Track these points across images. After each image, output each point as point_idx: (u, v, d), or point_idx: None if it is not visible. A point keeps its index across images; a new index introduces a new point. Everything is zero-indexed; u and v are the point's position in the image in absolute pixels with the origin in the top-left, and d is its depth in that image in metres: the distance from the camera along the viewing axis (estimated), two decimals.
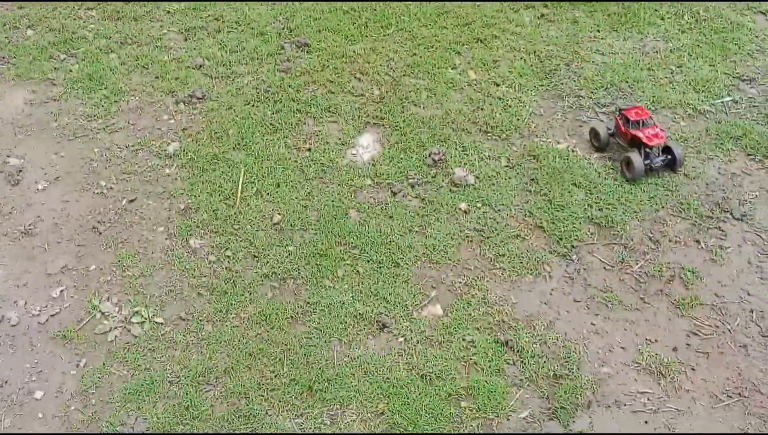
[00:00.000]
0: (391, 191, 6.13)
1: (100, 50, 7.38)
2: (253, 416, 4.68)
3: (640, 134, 6.04)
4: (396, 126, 6.64)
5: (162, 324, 5.22)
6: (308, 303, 5.37)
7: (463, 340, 5.14)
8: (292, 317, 5.29)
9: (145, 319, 5.23)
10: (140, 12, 7.82)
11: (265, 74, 7.13)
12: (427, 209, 5.99)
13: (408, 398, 4.78)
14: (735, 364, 5.02)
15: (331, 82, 7.04)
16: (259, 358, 5.01)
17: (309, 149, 6.47)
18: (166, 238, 5.78)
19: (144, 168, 6.28)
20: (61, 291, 5.40)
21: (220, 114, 6.75)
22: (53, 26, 7.56)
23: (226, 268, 5.58)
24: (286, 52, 7.38)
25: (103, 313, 5.26)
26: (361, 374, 4.93)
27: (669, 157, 6.10)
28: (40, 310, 5.29)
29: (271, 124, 6.67)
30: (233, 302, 5.36)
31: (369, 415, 4.73)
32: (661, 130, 6.13)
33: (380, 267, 5.59)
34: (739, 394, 4.87)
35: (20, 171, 6.22)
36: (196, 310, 5.31)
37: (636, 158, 5.96)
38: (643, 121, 6.10)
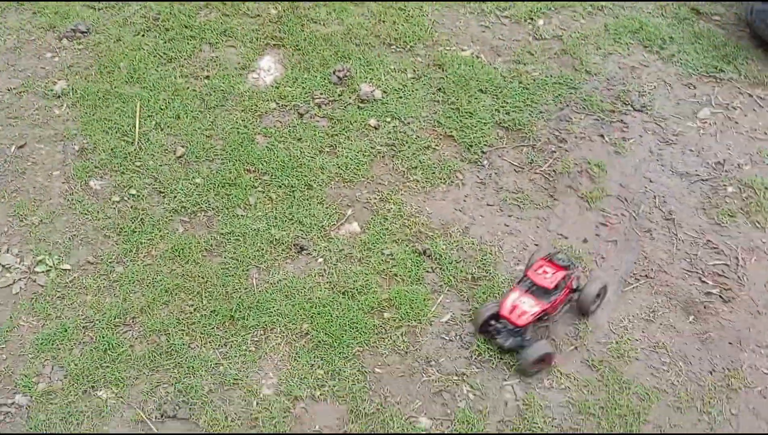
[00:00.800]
0: (298, 113, 5.97)
1: None
2: (175, 351, 4.60)
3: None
4: (297, 45, 6.42)
5: (69, 270, 5.00)
6: (221, 234, 5.24)
7: (382, 253, 5.16)
8: (206, 250, 5.16)
9: (51, 267, 5.00)
10: None
11: (153, 2, 6.70)
12: (336, 128, 5.87)
13: (331, 316, 4.79)
14: (641, 249, 5.25)
15: (225, 4, 6.70)
16: (176, 294, 4.89)
17: (207, 77, 6.19)
18: (64, 183, 5.48)
19: (30, 110, 5.88)
20: None
21: (108, 47, 6.34)
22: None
23: (131, 206, 5.36)
24: None
25: (3, 266, 4.99)
26: (282, 298, 4.89)
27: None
28: None
29: (164, 53, 6.32)
30: (143, 241, 5.17)
31: (293, 336, 4.72)
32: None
33: (293, 191, 5.49)
34: (646, 275, 5.11)
35: None
36: (104, 252, 5.10)
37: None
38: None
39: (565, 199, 5.52)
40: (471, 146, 5.78)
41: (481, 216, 5.42)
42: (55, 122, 5.82)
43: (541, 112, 6.00)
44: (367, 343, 4.68)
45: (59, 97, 5.99)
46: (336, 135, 5.84)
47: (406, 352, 4.66)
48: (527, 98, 6.07)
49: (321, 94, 6.10)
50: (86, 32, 6.46)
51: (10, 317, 4.76)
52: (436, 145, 5.81)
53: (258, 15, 6.66)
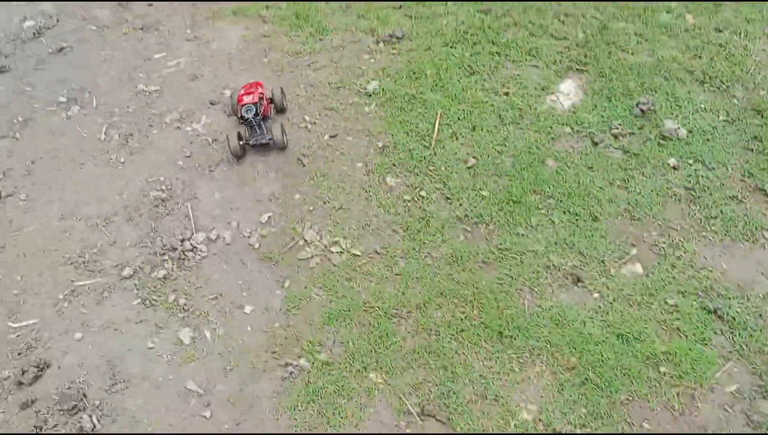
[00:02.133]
0: (593, 141, 5.85)
1: None
2: (443, 353, 4.77)
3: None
4: (601, 72, 6.29)
5: (359, 256, 5.43)
6: (500, 249, 5.32)
7: (665, 302, 4.86)
8: (483, 262, 5.28)
9: (344, 249, 5.47)
10: None
11: (464, 15, 7.01)
12: (631, 162, 5.66)
13: (602, 356, 4.63)
14: None
15: (533, 24, 6.78)
16: (450, 298, 5.08)
17: (507, 93, 6.31)
18: (365, 175, 5.96)
19: (345, 105, 6.47)
20: (269, 216, 5.77)
21: (419, 54, 6.76)
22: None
23: (420, 207, 5.67)
24: None
25: (306, 241, 5.57)
26: (552, 326, 4.84)
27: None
28: (250, 232, 5.69)
29: (468, 66, 6.58)
30: (426, 241, 5.44)
31: (559, 367, 4.64)
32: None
33: (577, 219, 5.40)
34: None
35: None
36: (391, 245, 5.46)
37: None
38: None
39: None
40: None
41: None
42: (365, 118, 6.35)
43: None
44: (637, 394, 4.45)
45: (370, 95, 6.52)
46: (630, 169, 5.62)
47: (681, 414, 4.34)
48: None
49: (620, 124, 5.91)
50: (401, 38, 6.94)
51: (305, 287, 5.30)
52: (743, 197, 5.33)
53: (565, 38, 6.64)
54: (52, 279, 5.55)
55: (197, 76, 6.94)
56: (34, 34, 7.61)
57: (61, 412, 4.75)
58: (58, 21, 7.71)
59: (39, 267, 5.64)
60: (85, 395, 4.82)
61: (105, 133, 6.52)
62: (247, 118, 5.91)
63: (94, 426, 4.66)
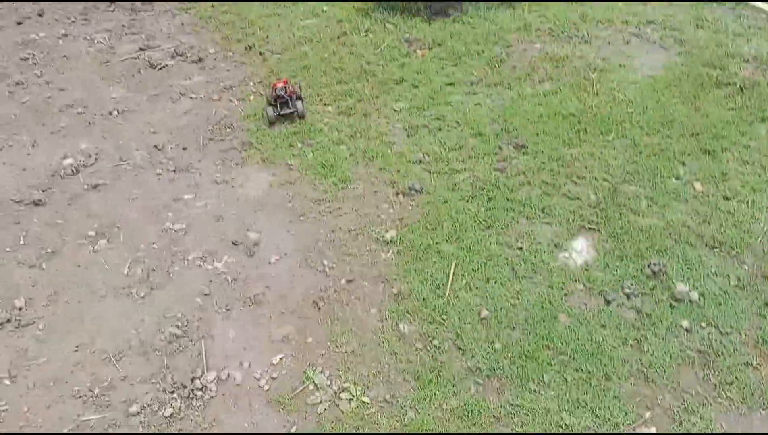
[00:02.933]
0: (605, 299, 5.93)
1: (333, 142, 8.11)
2: None
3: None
4: (612, 233, 6.48)
5: (368, 404, 5.38)
6: (512, 404, 5.26)
7: None
8: (494, 417, 5.21)
9: (353, 396, 5.43)
10: (370, 109, 8.53)
11: (481, 172, 7.37)
12: (643, 322, 5.69)
13: None
14: None
15: (547, 183, 7.09)
16: None
17: (520, 248, 6.49)
18: (378, 320, 6.03)
19: (363, 251, 6.67)
20: (281, 358, 5.79)
21: (436, 207, 7.04)
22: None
23: (431, 357, 5.67)
24: (503, 152, 7.60)
25: (316, 385, 5.54)
26: None
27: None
28: (260, 374, 5.69)
29: (484, 220, 6.82)
30: (437, 392, 5.40)
31: None
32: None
33: (590, 377, 5.36)
34: None
35: (256, 244, 6.90)
36: (401, 395, 5.41)
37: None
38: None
39: None
40: None
41: None
42: (381, 265, 6.52)
43: None
44: None
45: (388, 243, 6.73)
46: (643, 329, 5.65)
47: None
48: None
49: (631, 284, 6.01)
50: (419, 191, 7.27)
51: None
52: (758, 365, 5.30)
53: (578, 198, 6.92)
54: (58, 413, 5.52)
55: (222, 218, 7.24)
56: (72, 171, 8.06)
57: None
58: (96, 160, 8.19)
59: (47, 399, 5.64)
60: None
61: (128, 268, 6.72)
62: (281, 94, 8.37)
63: None
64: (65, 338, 6.12)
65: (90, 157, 8.23)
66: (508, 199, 6.99)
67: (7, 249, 7.03)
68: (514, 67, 9.07)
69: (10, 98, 9.35)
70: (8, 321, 6.32)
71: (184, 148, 8.27)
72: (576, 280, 6.13)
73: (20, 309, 6.42)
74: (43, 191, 7.75)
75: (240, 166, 7.90)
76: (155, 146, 8.32)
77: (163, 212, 7.37)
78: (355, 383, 5.53)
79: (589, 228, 6.59)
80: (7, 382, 5.75)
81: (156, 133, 8.53)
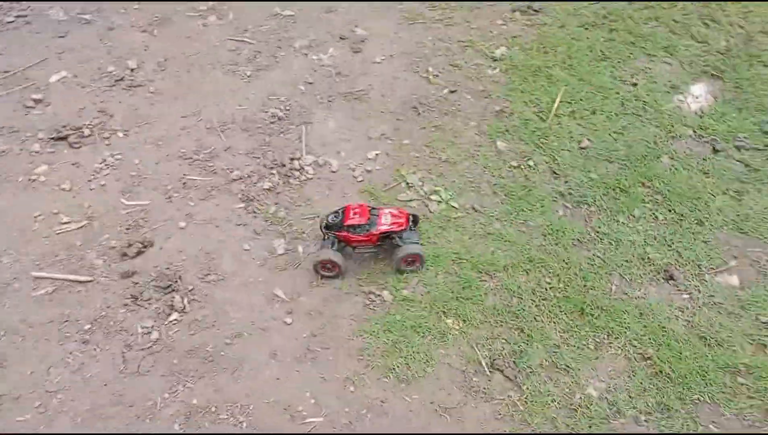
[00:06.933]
0: (714, 148, 5.73)
1: None
2: (522, 316, 4.84)
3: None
4: (737, 82, 6.12)
5: (456, 208, 5.52)
6: (597, 232, 5.32)
7: (758, 319, 4.77)
8: (578, 240, 5.29)
9: (442, 199, 5.58)
10: None
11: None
12: (750, 176, 5.52)
13: (681, 354, 4.60)
14: None
15: (676, 22, 6.64)
16: (538, 267, 5.12)
17: (635, 84, 6.23)
18: (476, 134, 6.02)
19: (471, 63, 6.53)
20: (376, 154, 5.93)
21: (553, 30, 6.74)
22: None
23: (525, 175, 5.70)
24: None
25: (408, 184, 5.70)
26: (636, 314, 4.83)
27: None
28: (355, 166, 5.86)
29: (601, 51, 6.51)
30: (524, 208, 5.49)
31: (636, 354, 4.64)
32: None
33: (681, 220, 5.33)
34: None
35: (363, 41, 6.82)
36: (489, 206, 5.53)
37: None
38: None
39: None
40: None
41: None
42: (486, 80, 6.40)
43: None
44: (710, 397, 4.41)
45: (496, 60, 6.55)
46: (747, 183, 5.49)
47: (751, 424, 4.29)
48: None
49: (745, 138, 5.76)
50: (538, 11, 6.93)
51: None
52: None
53: (706, 42, 6.49)
54: (166, 169, 5.88)
55: (331, 9, 7.12)
56: None
57: (157, 288, 5.08)
58: None
59: (156, 156, 5.99)
60: (180, 278, 5.13)
61: (236, 46, 6.80)
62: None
63: (184, 307, 4.97)
64: (173, 104, 6.38)
65: None
66: (630, 33, 6.61)
67: (121, 10, 7.17)
68: None
69: None
70: (122, 79, 6.59)
71: None
72: (687, 125, 5.91)
73: (132, 70, 6.66)
74: None
75: None
76: None
77: None
78: (446, 188, 5.65)
79: (712, 74, 6.23)
80: (120, 134, 6.11)
81: None
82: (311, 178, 5.78)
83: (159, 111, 6.32)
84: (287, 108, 6.29)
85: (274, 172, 5.83)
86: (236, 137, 6.10)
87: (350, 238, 5.02)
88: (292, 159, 5.91)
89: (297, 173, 5.83)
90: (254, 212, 5.54)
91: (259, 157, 5.94)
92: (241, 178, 5.77)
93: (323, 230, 5.09)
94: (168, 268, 5.18)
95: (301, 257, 5.23)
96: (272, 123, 6.19)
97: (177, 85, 6.52)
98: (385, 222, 4.99)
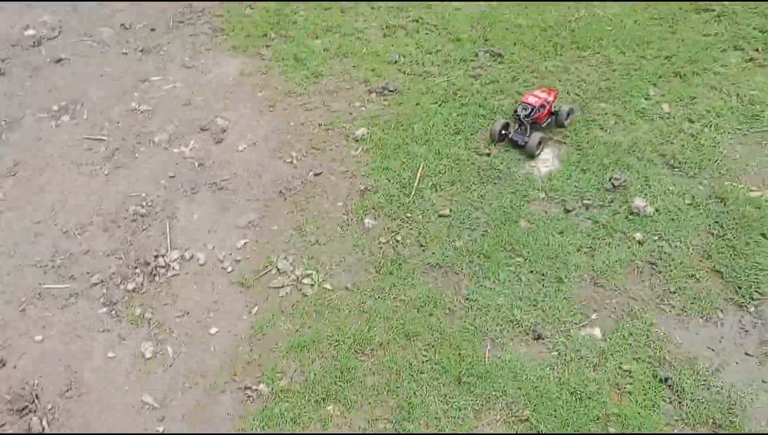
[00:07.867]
0: (565, 208, 6.10)
1: (307, 35, 7.94)
2: (402, 393, 4.84)
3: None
4: (578, 146, 6.60)
5: (330, 290, 5.52)
6: (467, 299, 5.47)
7: (620, 368, 5.01)
8: (449, 310, 5.41)
9: (315, 282, 5.57)
10: (347, 5, 8.33)
11: (455, 78, 7.34)
12: (599, 232, 5.90)
13: (555, 411, 4.74)
14: None
15: (519, 94, 7.12)
16: (413, 341, 5.17)
17: (488, 154, 6.58)
18: (344, 214, 6.11)
19: (332, 146, 6.68)
20: (245, 243, 5.86)
21: (408, 108, 7.04)
22: (270, 8, 8.24)
23: (394, 250, 5.81)
24: (479, 60, 7.56)
25: (278, 270, 5.65)
26: (510, 377, 4.95)
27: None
28: (224, 257, 5.76)
29: (454, 124, 6.85)
30: (396, 284, 5.56)
31: (513, 417, 4.73)
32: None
33: (543, 279, 5.58)
34: None
35: (224, 131, 6.83)
36: (362, 284, 5.57)
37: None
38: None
39: None
40: (740, 288, 5.46)
41: (737, 363, 5.05)
42: (350, 161, 6.55)
43: None
44: None
45: (358, 140, 6.74)
46: (598, 238, 5.86)
47: None
48: None
49: (591, 196, 6.18)
50: (393, 91, 7.23)
51: (273, 315, 5.36)
52: (701, 277, 5.57)
53: None
54: (18, 280, 5.53)
55: (190, 102, 7.12)
56: (33, 43, 7.76)
57: (11, 412, 4.68)
58: (59, 33, 7.88)
59: (7, 266, 5.63)
60: (37, 397, 4.76)
61: (92, 146, 6.61)
62: (518, 115, 6.51)
63: (44, 428, 4.59)
64: (26, 209, 6.07)
65: (53, 30, 7.92)
66: (480, 106, 7.01)
67: None
68: None
69: None
70: None
71: (153, 29, 8.00)
72: (539, 189, 6.27)
73: None
74: (2, 61, 7.47)
75: (210, 51, 7.71)
76: (122, 25, 8.03)
77: (129, 92, 7.21)
78: (317, 270, 5.65)
79: (557, 140, 6.69)
80: None
81: (123, 11, 8.22)
82: (178, 274, 5.62)
83: (9, 219, 5.98)
84: (149, 204, 6.14)
85: (138, 271, 5.62)
86: (96, 239, 5.86)
87: (539, 117, 6.52)
88: (156, 256, 5.73)
89: (162, 270, 5.65)
90: (118, 316, 5.28)
91: (121, 258, 5.72)
92: (102, 282, 5.52)
93: (524, 119, 6.43)
94: (23, 388, 4.81)
95: (171, 359, 5.01)
96: (134, 221, 6.01)
97: (28, 190, 6.22)
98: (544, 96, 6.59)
